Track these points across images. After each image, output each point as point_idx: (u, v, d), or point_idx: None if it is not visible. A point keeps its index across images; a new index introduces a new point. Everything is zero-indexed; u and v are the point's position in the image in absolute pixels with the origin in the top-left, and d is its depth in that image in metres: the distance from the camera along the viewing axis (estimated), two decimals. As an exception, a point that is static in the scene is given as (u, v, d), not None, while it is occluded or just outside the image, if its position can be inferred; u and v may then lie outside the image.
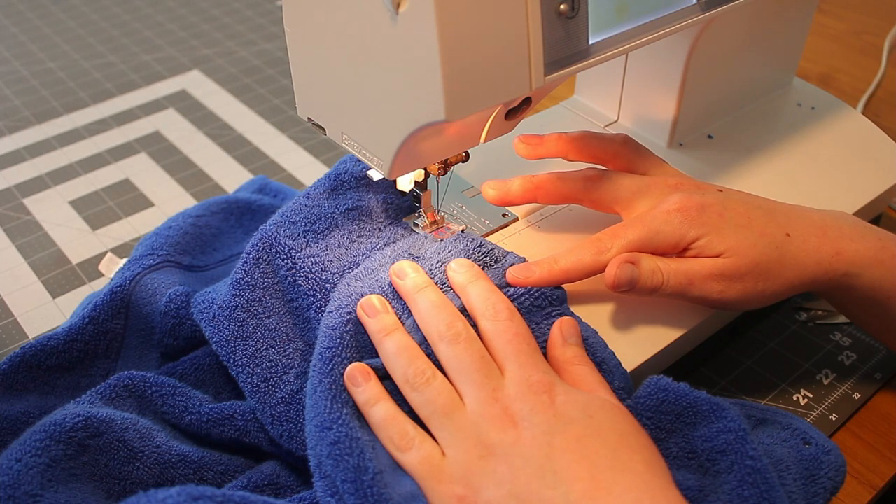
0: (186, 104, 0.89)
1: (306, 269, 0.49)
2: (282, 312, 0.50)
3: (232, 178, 0.78)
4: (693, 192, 0.49)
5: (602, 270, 0.47)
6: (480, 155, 0.59)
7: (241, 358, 0.48)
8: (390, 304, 0.45)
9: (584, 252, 0.47)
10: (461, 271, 0.46)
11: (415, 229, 0.52)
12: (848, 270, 0.48)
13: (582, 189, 0.51)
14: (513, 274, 0.46)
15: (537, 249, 0.52)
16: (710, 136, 0.63)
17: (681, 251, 0.47)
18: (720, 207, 0.48)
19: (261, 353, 0.48)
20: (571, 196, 0.51)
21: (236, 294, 0.50)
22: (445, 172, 0.51)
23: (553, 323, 0.45)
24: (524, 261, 0.47)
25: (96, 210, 0.74)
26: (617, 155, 0.53)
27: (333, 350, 0.43)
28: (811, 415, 0.52)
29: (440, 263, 0.47)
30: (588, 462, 0.37)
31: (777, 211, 0.49)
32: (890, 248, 0.48)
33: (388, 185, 0.53)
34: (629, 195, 0.50)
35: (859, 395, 0.53)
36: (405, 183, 0.51)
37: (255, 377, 0.48)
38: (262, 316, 0.49)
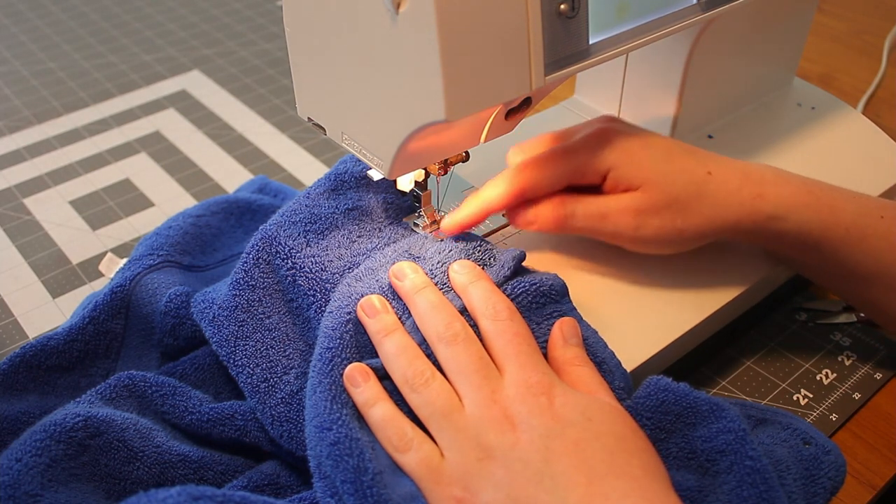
0: (186, 104, 0.89)
1: (306, 269, 0.49)
2: (282, 312, 0.50)
3: (232, 178, 0.78)
4: (619, 123, 0.49)
5: (510, 202, 0.48)
6: (480, 155, 0.59)
7: (241, 358, 0.48)
8: (390, 304, 0.45)
9: (506, 183, 0.48)
10: (463, 272, 0.46)
11: (415, 229, 0.52)
12: (773, 213, 0.47)
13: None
14: (444, 225, 0.48)
15: (537, 249, 0.52)
16: (710, 136, 0.63)
17: (601, 180, 0.47)
18: (642, 140, 0.48)
19: (261, 353, 0.48)
20: (515, 197, 0.49)
21: (236, 294, 0.50)
22: (445, 172, 0.51)
23: (553, 323, 0.45)
24: (523, 255, 0.47)
25: (96, 210, 0.74)
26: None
27: (333, 350, 0.43)
28: (811, 415, 0.52)
29: (440, 263, 0.47)
30: (586, 467, 0.37)
31: (699, 152, 0.49)
32: (815, 191, 0.48)
33: (389, 185, 0.53)
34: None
35: (859, 395, 0.53)
36: (405, 183, 0.51)
37: (255, 377, 0.48)
38: (262, 316, 0.49)
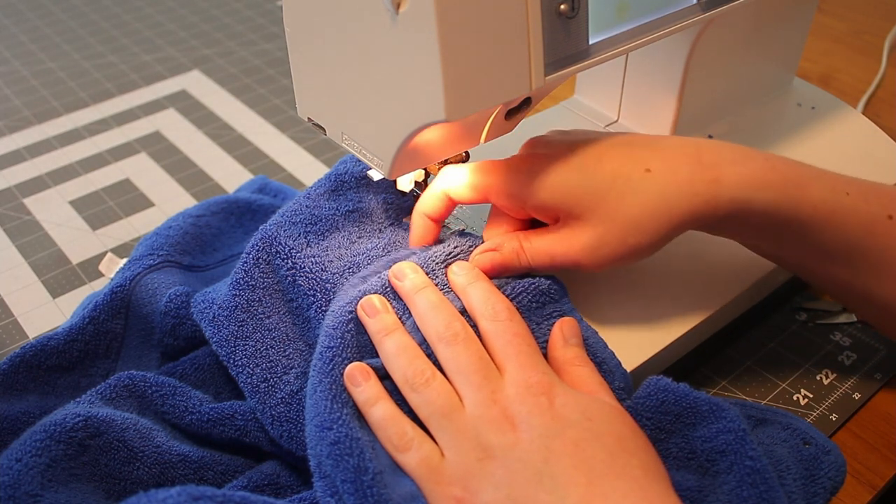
0: (186, 104, 0.89)
1: (306, 269, 0.49)
2: (282, 312, 0.50)
3: (232, 178, 0.78)
4: (541, 142, 0.45)
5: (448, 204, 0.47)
6: (480, 155, 0.59)
7: (241, 358, 0.48)
8: (391, 304, 0.45)
9: (429, 190, 0.48)
10: (462, 273, 0.46)
11: (415, 229, 0.52)
12: (734, 196, 0.42)
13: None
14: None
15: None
16: (710, 136, 0.63)
17: (519, 210, 0.45)
18: (551, 151, 0.44)
19: (261, 353, 0.48)
20: (442, 202, 0.48)
21: (236, 294, 0.50)
22: (445, 172, 0.51)
23: (553, 323, 0.45)
24: None
25: (96, 210, 0.74)
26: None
27: (334, 350, 0.43)
28: (811, 415, 0.52)
29: (440, 264, 0.47)
30: (586, 467, 0.37)
31: (638, 143, 0.44)
32: (779, 167, 0.44)
33: (389, 185, 0.53)
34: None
35: (859, 395, 0.53)
36: (405, 183, 0.51)
37: (255, 377, 0.48)
38: (262, 316, 0.49)
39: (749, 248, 0.49)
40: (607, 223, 0.42)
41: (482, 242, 0.48)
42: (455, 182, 0.47)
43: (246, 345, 0.49)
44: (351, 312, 0.44)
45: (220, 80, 0.94)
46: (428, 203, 0.48)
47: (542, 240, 0.45)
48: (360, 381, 0.42)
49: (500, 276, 0.46)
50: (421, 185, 0.52)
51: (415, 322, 0.44)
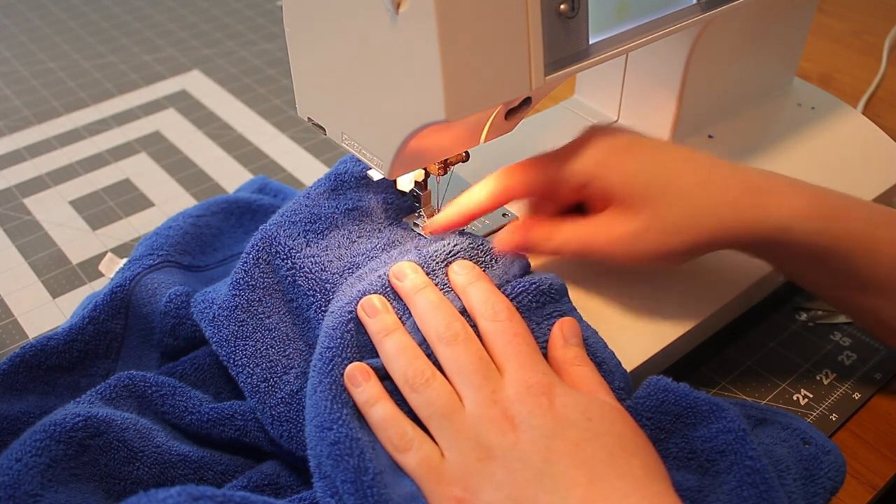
0: (186, 104, 0.89)
1: (306, 269, 0.49)
2: (282, 312, 0.50)
3: (232, 178, 0.78)
4: (606, 129, 0.46)
5: (506, 202, 0.47)
6: (480, 155, 0.59)
7: (241, 358, 0.48)
8: (391, 304, 0.45)
9: (488, 185, 0.47)
10: (462, 272, 0.46)
11: (415, 229, 0.52)
12: (777, 224, 0.44)
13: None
14: (429, 226, 0.48)
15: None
16: (710, 136, 0.63)
17: (576, 196, 0.46)
18: (624, 146, 0.45)
19: (261, 353, 0.48)
20: (496, 199, 0.48)
21: (236, 294, 0.50)
22: (445, 172, 0.51)
23: (553, 323, 0.45)
24: (526, 259, 0.47)
25: (96, 210, 0.74)
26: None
27: (334, 350, 0.43)
28: (811, 415, 0.52)
29: (441, 264, 0.47)
30: (586, 467, 0.37)
31: (692, 158, 0.46)
32: (821, 199, 0.45)
33: (389, 185, 0.53)
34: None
35: (859, 395, 0.53)
36: (405, 183, 0.51)
37: (255, 377, 0.48)
38: (262, 316, 0.49)
39: (785, 274, 0.50)
40: (652, 219, 0.44)
41: (481, 242, 0.48)
42: (512, 180, 0.47)
43: (246, 345, 0.49)
44: (351, 312, 0.44)
45: (220, 80, 0.94)
46: (478, 202, 0.47)
47: (579, 225, 0.45)
48: (360, 382, 0.42)
49: (526, 251, 0.46)
50: (421, 185, 0.52)
51: (415, 322, 0.44)
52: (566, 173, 0.46)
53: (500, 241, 0.47)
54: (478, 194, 0.48)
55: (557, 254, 0.47)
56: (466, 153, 0.51)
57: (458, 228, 0.49)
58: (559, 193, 0.47)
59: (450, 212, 0.49)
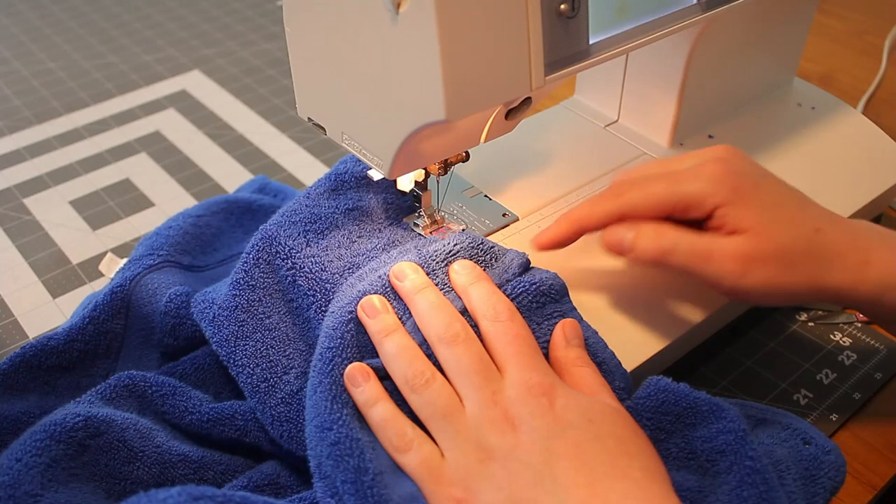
0: (186, 104, 0.89)
1: (306, 269, 0.49)
2: (282, 312, 0.50)
3: (232, 178, 0.78)
4: (734, 157, 0.46)
5: (607, 220, 0.45)
6: (480, 155, 0.59)
7: (241, 358, 0.48)
8: (392, 304, 0.45)
9: (599, 201, 0.46)
10: (463, 272, 0.46)
11: (415, 229, 0.52)
12: (879, 280, 0.44)
13: (618, 207, 0.46)
14: (536, 240, 0.46)
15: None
16: (710, 136, 0.63)
17: (704, 217, 0.45)
18: (756, 178, 0.45)
19: (261, 353, 0.48)
20: (612, 216, 0.46)
21: (236, 294, 0.50)
22: (445, 172, 0.51)
23: (554, 323, 0.45)
24: (525, 256, 0.47)
25: (96, 210, 0.74)
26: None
27: (334, 350, 0.43)
28: (811, 415, 0.52)
29: (441, 263, 0.47)
30: (586, 469, 0.37)
31: (810, 204, 0.46)
32: None
33: (389, 185, 0.53)
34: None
35: (859, 395, 0.53)
36: (405, 183, 0.51)
37: (255, 377, 0.48)
38: (262, 316, 0.49)
39: (886, 329, 0.49)
40: (775, 250, 0.43)
41: (482, 242, 0.48)
42: (627, 200, 0.45)
43: (246, 345, 0.49)
44: (351, 313, 0.44)
45: (220, 80, 0.94)
46: (593, 218, 0.46)
47: (702, 238, 0.44)
48: (361, 382, 0.42)
49: (613, 251, 0.45)
50: (421, 185, 0.52)
51: (415, 322, 0.44)
52: (700, 198, 0.44)
53: (605, 235, 0.45)
54: (589, 211, 0.46)
55: (668, 260, 0.45)
56: (466, 153, 0.51)
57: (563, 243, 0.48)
58: (678, 213, 0.45)
59: (556, 228, 0.47)
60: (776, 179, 0.46)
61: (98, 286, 0.65)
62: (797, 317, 0.59)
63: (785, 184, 0.47)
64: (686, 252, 0.44)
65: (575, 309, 0.46)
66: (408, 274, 0.45)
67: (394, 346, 0.43)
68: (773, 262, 0.43)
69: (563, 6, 0.41)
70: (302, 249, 0.49)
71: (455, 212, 0.55)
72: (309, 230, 0.50)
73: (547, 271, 0.47)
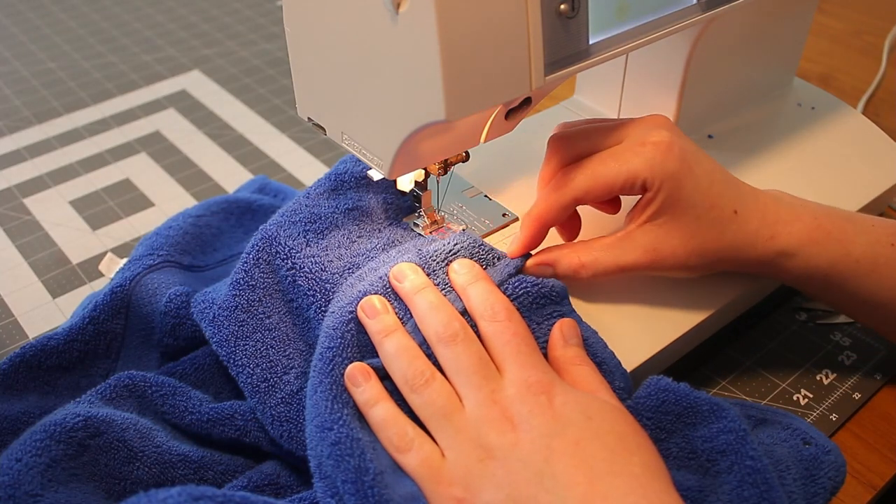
0: (186, 104, 0.89)
1: (306, 269, 0.49)
2: (282, 312, 0.50)
3: (232, 178, 0.78)
4: (674, 134, 0.47)
5: (564, 211, 0.47)
6: (480, 155, 0.59)
7: (241, 358, 0.48)
8: (392, 304, 0.45)
9: (552, 194, 0.47)
10: (462, 272, 0.46)
11: (415, 229, 0.52)
12: (782, 250, 0.48)
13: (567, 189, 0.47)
14: (510, 251, 0.48)
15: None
16: (710, 136, 0.63)
17: (639, 192, 0.46)
18: (691, 163, 0.46)
19: (261, 353, 0.48)
20: (568, 206, 0.48)
21: (236, 294, 0.50)
22: (445, 172, 0.51)
23: (553, 323, 0.45)
24: (526, 257, 0.47)
25: (96, 210, 0.74)
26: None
27: (334, 350, 0.43)
28: (811, 415, 0.52)
29: (441, 263, 0.47)
30: (586, 466, 0.37)
31: (732, 185, 0.48)
32: (826, 226, 0.48)
33: (389, 185, 0.53)
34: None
35: (859, 395, 0.53)
36: (405, 183, 0.51)
37: (255, 377, 0.48)
38: (262, 316, 0.49)
39: (803, 293, 0.52)
40: (687, 232, 0.47)
41: (482, 242, 0.48)
42: (587, 182, 0.46)
43: (246, 345, 0.49)
44: (351, 312, 0.44)
45: (220, 80, 0.94)
46: (553, 213, 0.47)
47: (611, 250, 0.47)
48: (361, 382, 0.42)
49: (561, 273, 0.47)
50: (421, 185, 0.52)
51: (415, 323, 0.44)
52: (640, 179, 0.46)
53: (531, 262, 0.47)
54: (549, 206, 0.47)
55: (591, 280, 0.47)
56: (466, 153, 0.51)
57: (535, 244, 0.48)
58: (625, 192, 0.47)
59: (527, 228, 0.47)
60: (706, 157, 0.48)
61: (98, 286, 0.65)
62: (797, 317, 0.59)
63: (713, 161, 0.48)
64: (603, 273, 0.47)
65: (574, 310, 0.46)
66: (407, 275, 0.45)
67: (394, 346, 0.43)
68: (685, 244, 0.47)
69: (563, 6, 0.41)
70: (302, 249, 0.49)
71: (455, 212, 0.55)
72: (309, 230, 0.50)
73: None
